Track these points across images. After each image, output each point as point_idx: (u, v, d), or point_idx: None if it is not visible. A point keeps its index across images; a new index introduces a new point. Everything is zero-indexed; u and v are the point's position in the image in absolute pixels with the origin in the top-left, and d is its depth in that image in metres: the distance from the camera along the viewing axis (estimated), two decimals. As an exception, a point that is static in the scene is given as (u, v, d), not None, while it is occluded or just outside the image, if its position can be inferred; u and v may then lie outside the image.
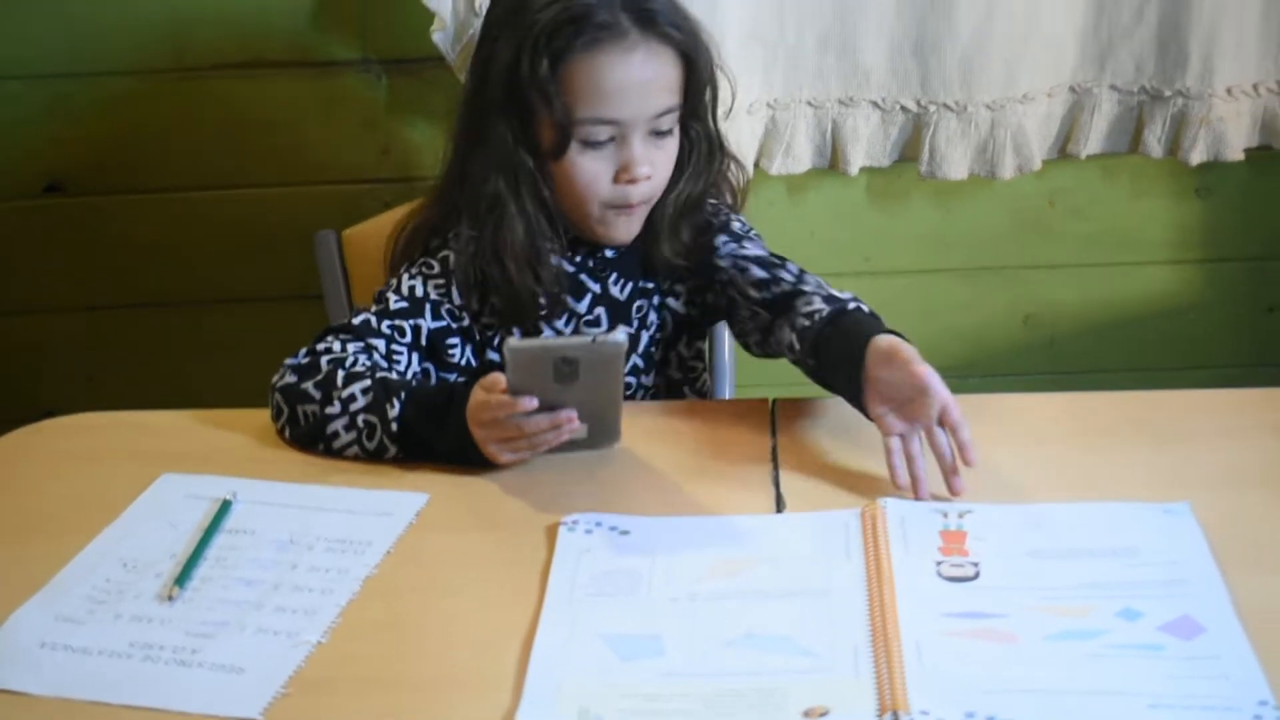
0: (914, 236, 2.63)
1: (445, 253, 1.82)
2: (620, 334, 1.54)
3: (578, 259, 1.85)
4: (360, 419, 1.66)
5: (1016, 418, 1.76)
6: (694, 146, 1.83)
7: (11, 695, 1.30)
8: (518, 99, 1.75)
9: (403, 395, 1.65)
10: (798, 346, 1.70)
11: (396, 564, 1.47)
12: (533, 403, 1.55)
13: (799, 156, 2.48)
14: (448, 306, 1.82)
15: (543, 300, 1.80)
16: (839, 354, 1.64)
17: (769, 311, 1.78)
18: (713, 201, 1.90)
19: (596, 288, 1.86)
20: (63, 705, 1.29)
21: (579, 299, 1.86)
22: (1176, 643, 1.27)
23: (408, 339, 1.80)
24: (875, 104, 2.44)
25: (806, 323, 1.69)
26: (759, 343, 1.81)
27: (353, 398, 1.67)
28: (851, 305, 1.71)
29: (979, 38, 2.38)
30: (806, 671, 1.27)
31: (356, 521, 1.54)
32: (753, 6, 2.37)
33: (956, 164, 2.46)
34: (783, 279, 1.79)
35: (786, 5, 2.38)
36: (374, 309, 1.81)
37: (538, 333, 1.83)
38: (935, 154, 2.45)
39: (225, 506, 1.56)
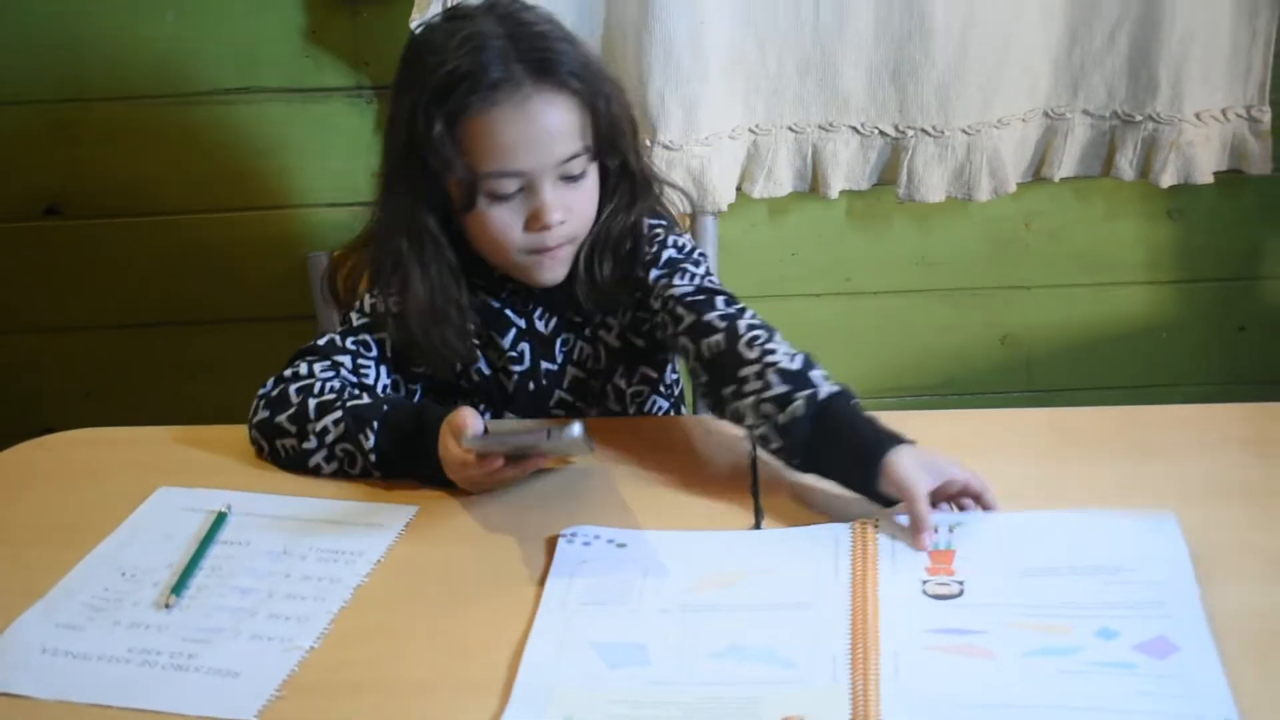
0: (893, 258, 2.65)
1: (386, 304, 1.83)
2: (576, 427, 1.48)
3: (503, 295, 1.86)
4: (338, 449, 1.70)
5: (997, 431, 1.80)
6: (616, 185, 1.82)
7: (14, 699, 1.33)
8: (420, 158, 1.73)
9: (375, 425, 1.68)
10: (773, 443, 1.63)
11: (387, 573, 1.51)
12: (497, 463, 1.59)
13: (780, 180, 2.50)
14: (394, 338, 1.83)
15: (454, 352, 1.81)
16: (839, 466, 1.60)
17: (708, 374, 1.72)
18: (653, 223, 1.86)
19: (521, 323, 1.87)
20: (63, 708, 1.32)
21: (503, 334, 1.86)
22: (1149, 661, 1.29)
23: (374, 353, 1.83)
24: (855, 129, 2.47)
25: (771, 409, 1.62)
26: (710, 405, 1.74)
27: (325, 430, 1.70)
28: (823, 393, 1.62)
29: (955, 64, 2.41)
30: (785, 682, 1.29)
31: (348, 533, 1.58)
32: (736, 34, 2.40)
33: (934, 187, 2.48)
34: (712, 327, 1.72)
35: (768, 33, 2.41)
36: (340, 328, 1.85)
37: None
38: (913, 177, 2.48)
39: (220, 518, 1.61)
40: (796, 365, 1.65)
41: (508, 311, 1.86)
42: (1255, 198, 2.61)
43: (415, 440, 1.66)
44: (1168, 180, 2.47)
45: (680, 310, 1.77)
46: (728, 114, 2.44)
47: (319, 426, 1.71)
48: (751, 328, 1.71)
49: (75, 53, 2.47)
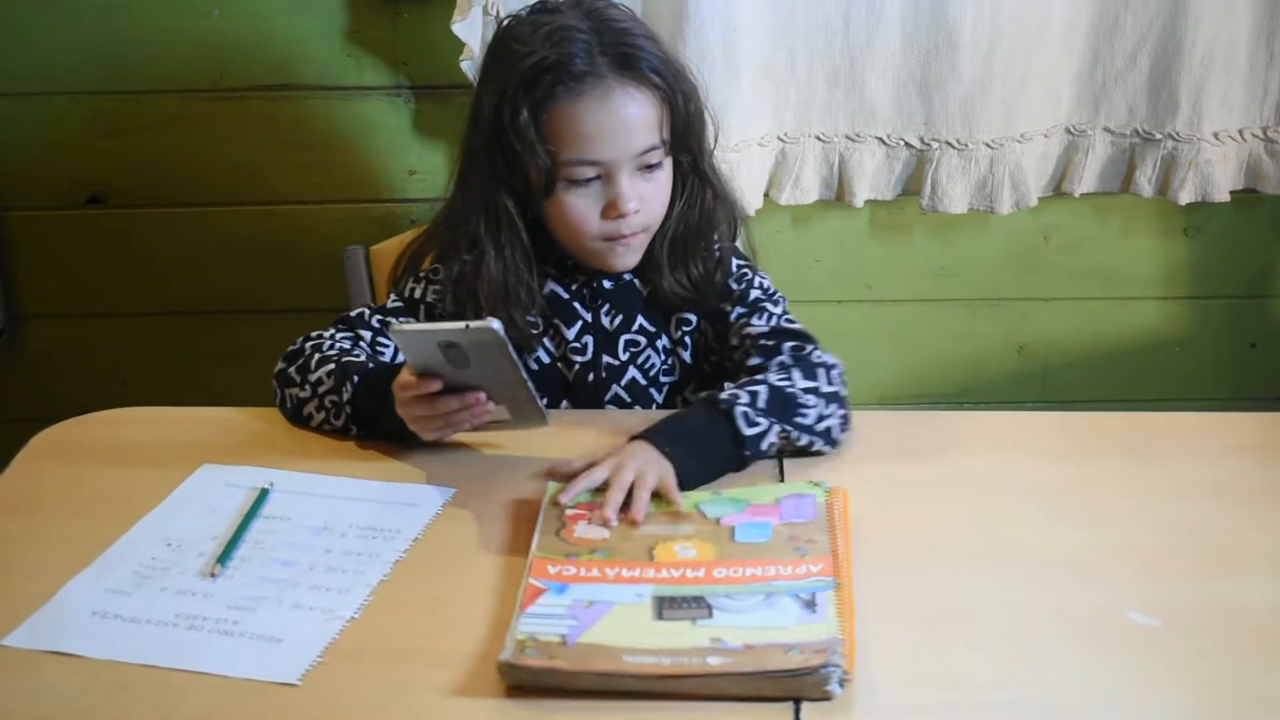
0: (914, 267, 2.68)
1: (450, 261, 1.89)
2: (493, 322, 1.54)
3: (573, 286, 1.92)
4: (327, 400, 1.77)
5: (1008, 433, 1.85)
6: (685, 179, 1.87)
7: (66, 657, 1.38)
8: (503, 144, 1.80)
9: (356, 377, 1.75)
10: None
11: (425, 549, 1.55)
12: (436, 384, 1.63)
13: (807, 188, 2.54)
14: (441, 311, 1.89)
15: (519, 332, 1.84)
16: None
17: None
18: (740, 262, 1.92)
19: (588, 316, 1.92)
20: (113, 667, 1.36)
21: (569, 325, 1.91)
22: None
23: None
24: (881, 140, 2.51)
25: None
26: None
27: (319, 381, 1.78)
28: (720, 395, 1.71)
29: (980, 80, 2.44)
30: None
31: (386, 510, 1.63)
32: (766, 46, 2.44)
33: (957, 199, 2.52)
34: (764, 369, 1.79)
35: (798, 45, 2.45)
36: (374, 305, 1.92)
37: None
38: (937, 189, 2.51)
39: (263, 494, 1.65)
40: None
41: (576, 304, 1.91)
42: (1270, 217, 2.64)
43: (384, 391, 1.71)
44: (1186, 198, 2.51)
45: (752, 350, 1.84)
46: (757, 122, 2.48)
47: (314, 377, 1.79)
48: (780, 363, 1.78)
49: (120, 47, 2.51)
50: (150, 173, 2.59)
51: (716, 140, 1.92)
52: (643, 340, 1.93)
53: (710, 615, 1.38)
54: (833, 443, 1.73)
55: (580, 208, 1.81)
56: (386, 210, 2.60)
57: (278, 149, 2.57)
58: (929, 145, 2.50)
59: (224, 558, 1.54)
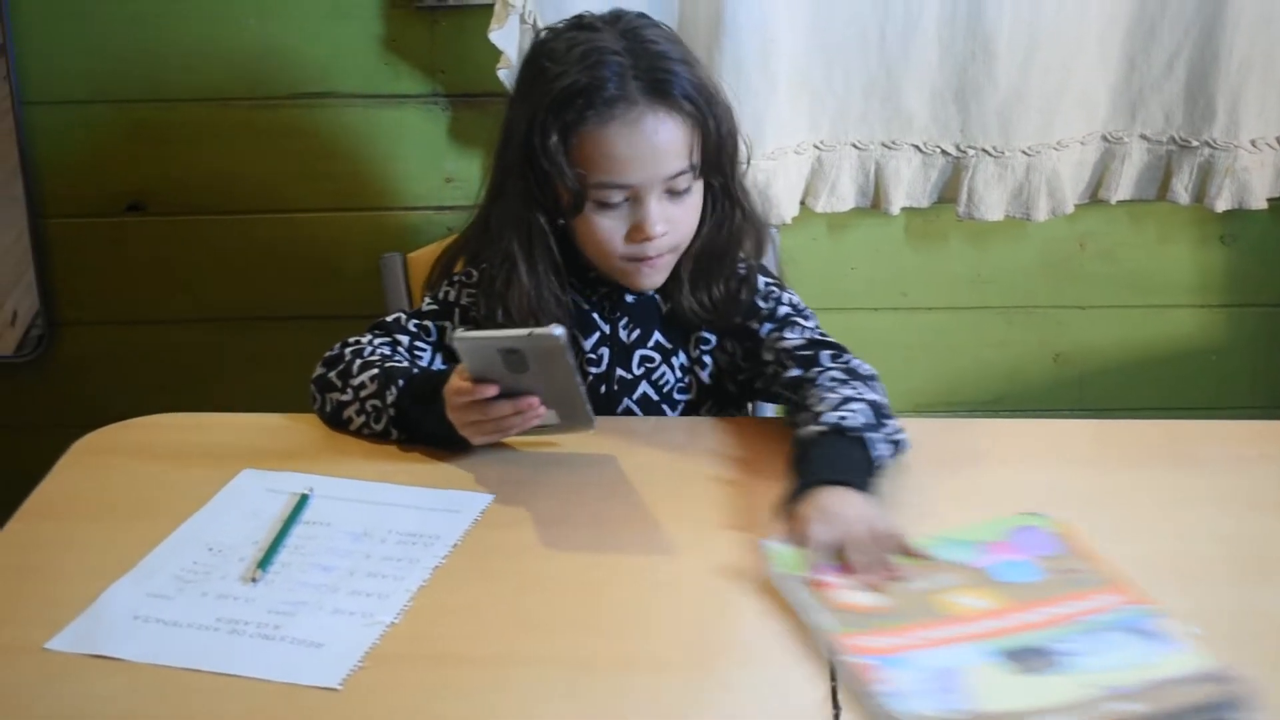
0: (950, 275, 2.68)
1: (484, 266, 1.90)
2: (556, 328, 1.56)
3: (594, 298, 1.92)
4: (369, 404, 1.79)
5: (1043, 441, 1.85)
6: (715, 200, 1.86)
7: (108, 660, 1.39)
8: (533, 164, 1.79)
9: (400, 382, 1.77)
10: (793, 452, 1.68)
11: (465, 555, 1.56)
12: (492, 389, 1.64)
13: (843, 196, 2.54)
14: (475, 314, 1.90)
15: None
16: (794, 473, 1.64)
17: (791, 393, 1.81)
18: (768, 280, 1.91)
19: (606, 328, 1.92)
20: (155, 670, 1.38)
21: (587, 335, 1.92)
22: None
23: (432, 338, 1.91)
24: (917, 147, 2.51)
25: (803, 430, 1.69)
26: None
27: (362, 385, 1.80)
28: (837, 420, 1.67)
29: (1017, 87, 2.43)
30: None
31: (425, 517, 1.64)
32: (803, 56, 2.44)
33: (993, 206, 2.51)
34: (809, 380, 1.78)
35: (835, 53, 2.45)
36: (409, 310, 1.94)
37: None
38: (973, 196, 2.51)
39: (303, 500, 1.67)
40: (851, 411, 1.68)
41: (595, 315, 1.92)
42: (1308, 224, 2.63)
43: (431, 395, 1.72)
44: (1222, 205, 2.50)
45: (789, 362, 1.83)
46: (793, 130, 2.48)
47: (357, 381, 1.80)
48: (834, 377, 1.76)
49: (160, 56, 2.52)
50: (189, 181, 2.60)
51: (749, 160, 1.92)
52: (657, 357, 1.93)
53: (1063, 662, 1.34)
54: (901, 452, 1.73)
55: (607, 228, 1.80)
56: (423, 218, 2.61)
57: (314, 157, 2.58)
58: (965, 153, 2.50)
59: (265, 563, 1.55)
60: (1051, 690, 1.30)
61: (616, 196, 1.78)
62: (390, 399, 1.77)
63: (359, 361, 1.83)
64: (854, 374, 1.77)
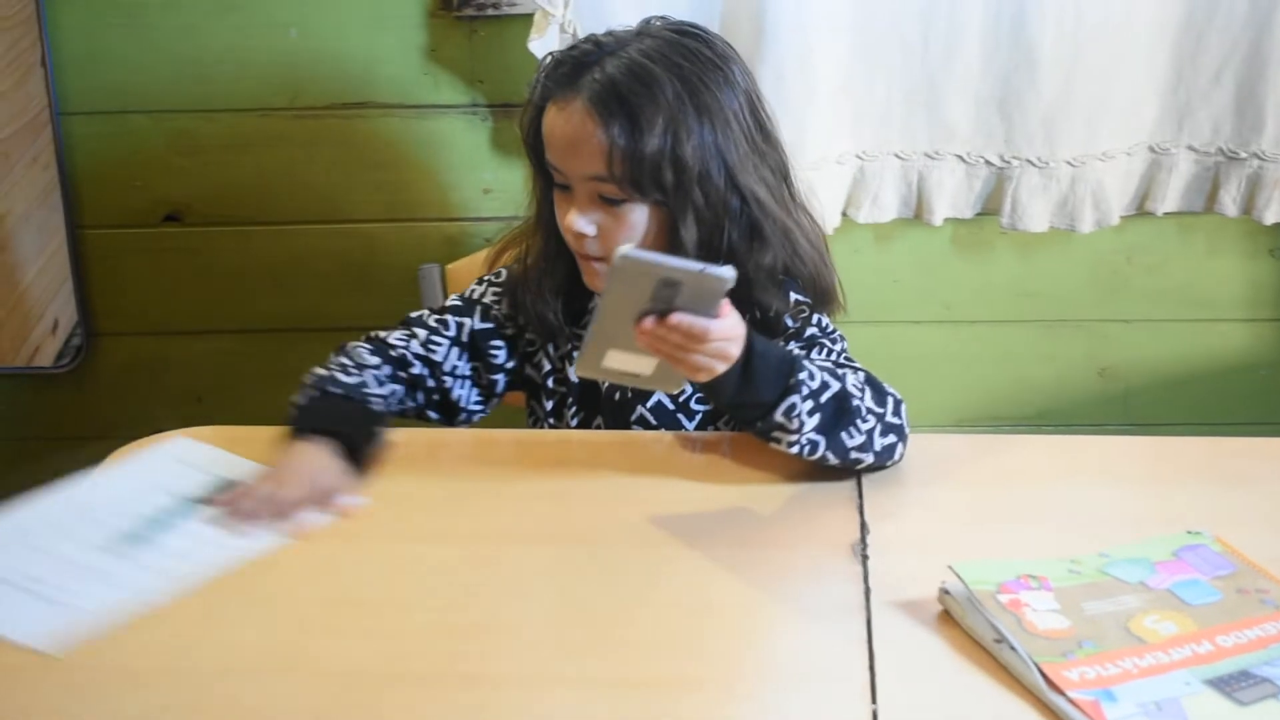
0: (993, 287, 2.66)
1: (515, 266, 1.92)
2: (728, 270, 1.48)
3: None
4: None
5: (1088, 458, 1.82)
6: (692, 228, 1.78)
7: None
8: (531, 149, 1.83)
9: (320, 390, 1.82)
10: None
11: (495, 573, 1.55)
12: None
13: (885, 206, 2.52)
14: (498, 312, 1.91)
15: (564, 323, 1.87)
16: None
17: None
18: (799, 298, 1.86)
19: None
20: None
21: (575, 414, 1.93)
22: None
23: (451, 333, 1.90)
24: (960, 157, 2.49)
25: None
26: None
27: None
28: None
29: (1061, 96, 2.41)
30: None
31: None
32: (844, 64, 2.42)
33: (1037, 217, 2.49)
34: None
35: (876, 62, 2.43)
36: (435, 308, 1.94)
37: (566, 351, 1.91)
38: (1017, 207, 2.49)
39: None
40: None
41: None
42: (1358, 238, 2.60)
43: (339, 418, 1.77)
44: (1271, 217, 2.47)
45: None
46: (835, 140, 2.47)
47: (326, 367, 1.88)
48: (859, 384, 1.72)
49: (199, 66, 2.52)
50: (227, 191, 2.60)
51: (788, 179, 1.88)
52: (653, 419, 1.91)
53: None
54: (879, 463, 1.71)
55: (559, 210, 1.81)
56: (461, 229, 2.60)
57: (353, 167, 2.58)
58: (1009, 163, 2.48)
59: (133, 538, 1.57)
60: None
61: (559, 179, 1.79)
62: (302, 400, 1.81)
63: (340, 357, 1.88)
64: (876, 387, 1.73)
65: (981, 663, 1.37)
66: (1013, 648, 1.35)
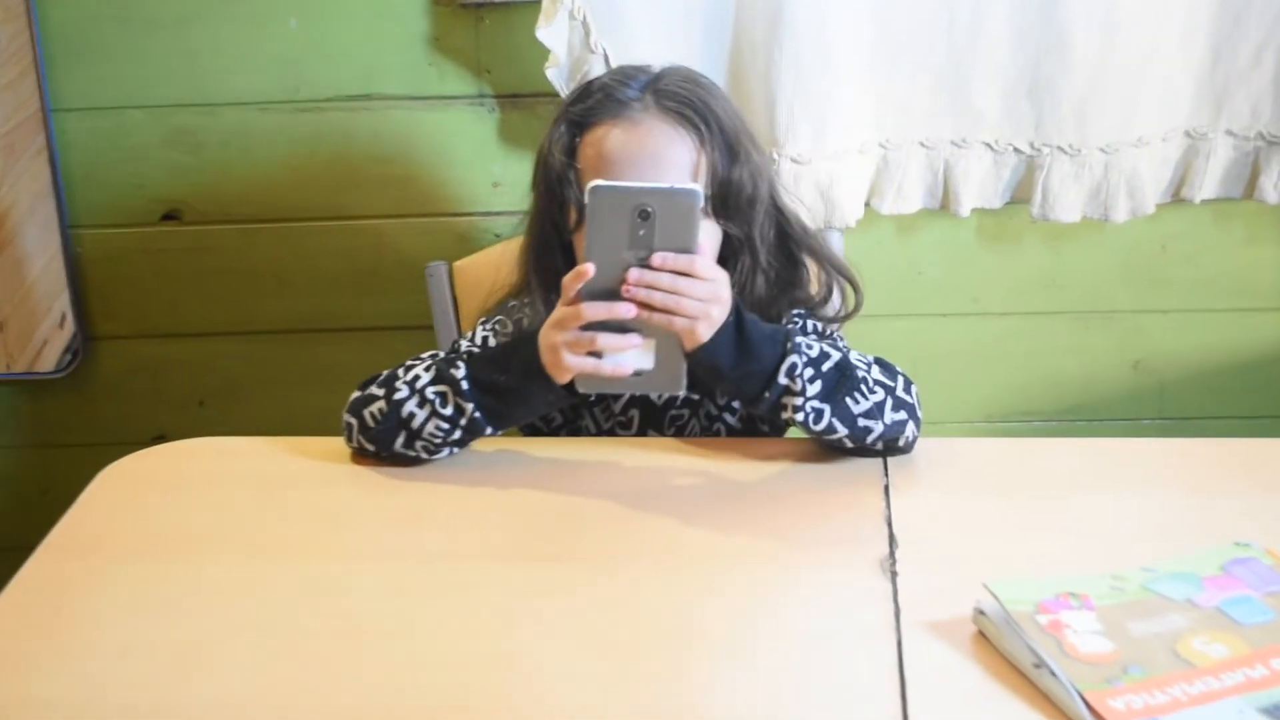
0: (1023, 278, 2.61)
1: (520, 315, 1.85)
2: (696, 186, 1.56)
3: None
4: (429, 392, 1.70)
5: (1126, 461, 1.78)
6: (735, 253, 1.79)
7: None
8: (550, 186, 1.78)
9: (467, 357, 1.71)
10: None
11: (532, 599, 1.50)
12: (590, 268, 1.56)
13: (910, 196, 2.46)
14: None
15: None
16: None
17: None
18: (795, 312, 1.85)
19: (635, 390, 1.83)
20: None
21: (617, 398, 1.88)
22: None
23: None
24: (988, 145, 2.43)
25: None
26: None
27: (417, 378, 1.71)
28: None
29: (1094, 81, 2.36)
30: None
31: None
32: (866, 48, 2.37)
33: (1069, 206, 2.44)
34: None
35: (899, 46, 2.37)
36: (445, 352, 1.85)
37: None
38: (1048, 196, 2.43)
39: None
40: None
41: None
42: (1402, 224, 2.55)
43: (506, 351, 1.70)
44: (1314, 204, 2.41)
45: None
46: (857, 128, 2.41)
47: (409, 377, 1.73)
48: (865, 361, 1.72)
49: (198, 59, 2.48)
50: (227, 188, 2.56)
51: (781, 154, 1.89)
52: (686, 412, 1.89)
53: None
54: (894, 448, 1.71)
55: None
56: (470, 224, 2.56)
57: (358, 162, 2.53)
58: (1039, 150, 2.42)
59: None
60: None
61: None
62: (459, 374, 1.69)
63: (402, 369, 1.75)
64: (885, 365, 1.72)
65: (1020, 689, 1.32)
66: (1053, 674, 1.30)
